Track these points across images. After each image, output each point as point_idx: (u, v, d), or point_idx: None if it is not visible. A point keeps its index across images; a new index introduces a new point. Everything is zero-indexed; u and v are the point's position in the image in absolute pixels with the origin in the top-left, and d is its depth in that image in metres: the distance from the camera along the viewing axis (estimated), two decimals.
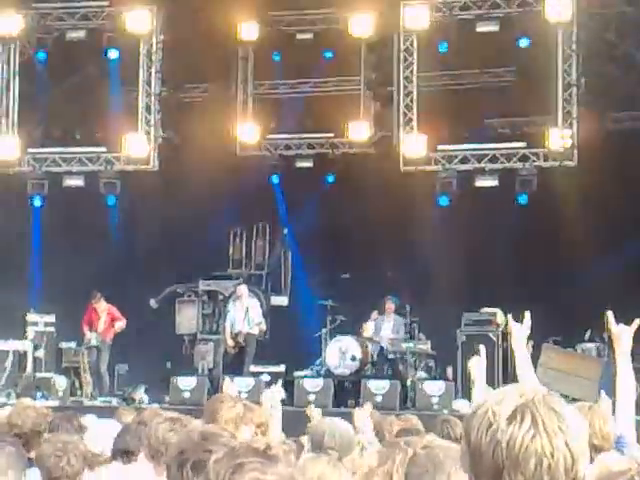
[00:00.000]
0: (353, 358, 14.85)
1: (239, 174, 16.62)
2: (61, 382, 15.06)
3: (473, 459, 1.74)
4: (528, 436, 1.72)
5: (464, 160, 15.67)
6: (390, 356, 15.09)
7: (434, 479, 2.21)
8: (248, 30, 16.58)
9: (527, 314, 4.34)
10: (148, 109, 16.70)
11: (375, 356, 15.20)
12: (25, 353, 15.43)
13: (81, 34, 16.75)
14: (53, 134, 17.48)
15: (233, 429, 4.18)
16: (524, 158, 15.37)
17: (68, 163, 17.04)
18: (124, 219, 17.09)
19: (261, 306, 15.87)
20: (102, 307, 15.56)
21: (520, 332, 4.22)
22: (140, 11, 16.26)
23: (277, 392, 5.88)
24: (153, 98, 16.75)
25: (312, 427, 4.87)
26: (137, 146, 16.47)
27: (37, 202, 17.27)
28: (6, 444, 3.20)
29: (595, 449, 4.75)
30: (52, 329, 16.10)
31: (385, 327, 15.18)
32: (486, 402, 1.79)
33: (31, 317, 16.07)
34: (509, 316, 4.74)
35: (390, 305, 15.12)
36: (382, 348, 15.09)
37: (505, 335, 14.54)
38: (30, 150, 17.01)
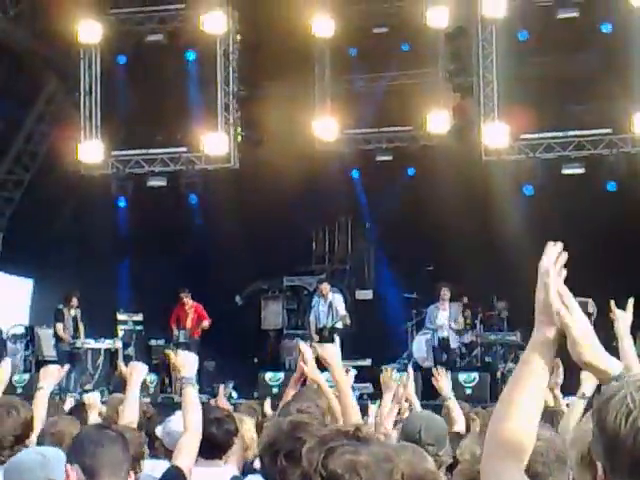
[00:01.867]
0: None
1: (319, 170, 16.67)
2: (151, 379, 15.31)
3: (609, 448, 1.67)
4: None
5: (548, 148, 15.47)
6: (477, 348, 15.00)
7: None
8: (324, 26, 16.61)
9: (630, 301, 4.26)
10: (227, 108, 16.86)
11: (463, 348, 15.11)
12: (116, 351, 15.74)
13: (159, 37, 16.99)
14: (135, 136, 17.75)
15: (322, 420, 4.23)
16: (611, 144, 15.12)
17: (150, 164, 17.31)
18: (206, 217, 17.28)
19: (345, 301, 15.91)
20: (189, 305, 15.78)
21: (624, 320, 4.14)
22: (216, 12, 16.43)
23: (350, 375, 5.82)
24: (231, 97, 16.91)
25: (407, 421, 4.82)
26: (217, 145, 16.65)
27: (122, 203, 17.58)
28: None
29: None
30: (141, 327, 16.42)
31: (441, 315, 14.90)
32: (623, 388, 1.71)
33: (120, 316, 16.40)
34: (612, 303, 4.66)
35: (445, 292, 14.84)
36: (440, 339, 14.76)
37: (595, 325, 14.35)
38: (114, 153, 17.32)
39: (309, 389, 5.05)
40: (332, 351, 4.36)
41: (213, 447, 4.70)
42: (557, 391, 6.07)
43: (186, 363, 4.32)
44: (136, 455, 4.13)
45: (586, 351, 1.85)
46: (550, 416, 4.84)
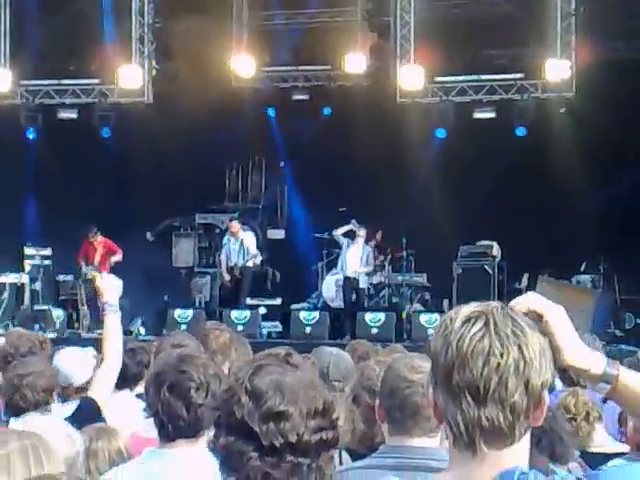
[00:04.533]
0: None
1: (235, 107, 16.47)
2: (58, 314, 15.15)
3: (432, 363, 1.78)
4: (477, 335, 1.74)
5: (462, 92, 15.54)
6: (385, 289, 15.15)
7: None
8: None
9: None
10: (142, 40, 16.49)
11: (371, 289, 15.26)
12: (22, 286, 15.50)
13: None
14: (46, 66, 17.25)
15: (221, 357, 4.20)
16: (522, 89, 15.25)
17: (61, 95, 16.88)
18: (119, 152, 16.98)
19: (257, 239, 15.87)
20: (98, 240, 15.58)
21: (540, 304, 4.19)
22: None
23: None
24: (146, 29, 16.53)
25: (316, 357, 4.87)
26: (131, 78, 16.29)
27: (31, 135, 17.16)
28: None
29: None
30: (48, 262, 16.17)
31: (351, 253, 14.80)
32: (448, 312, 1.82)
33: (28, 251, 16.11)
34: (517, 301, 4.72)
35: (361, 231, 14.70)
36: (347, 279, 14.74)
37: (500, 267, 14.63)
38: (23, 82, 16.83)
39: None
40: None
41: (125, 378, 4.64)
42: None
43: (110, 287, 4.15)
44: (49, 387, 4.02)
45: (568, 355, 1.87)
46: None
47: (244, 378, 1.93)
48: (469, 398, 1.73)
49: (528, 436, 1.78)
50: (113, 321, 4.11)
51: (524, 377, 1.75)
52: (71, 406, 4.18)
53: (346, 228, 14.98)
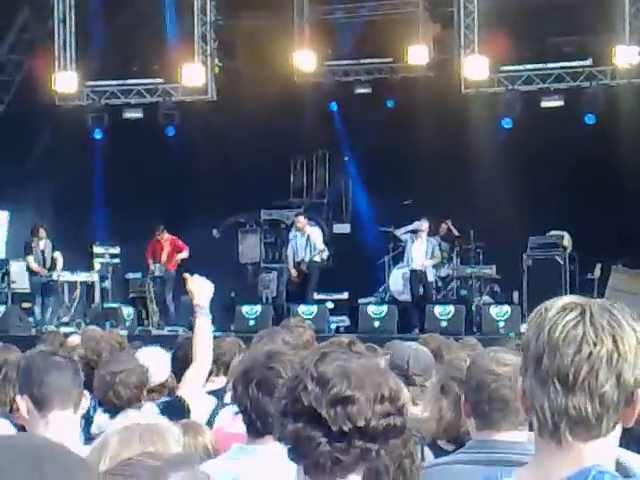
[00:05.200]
0: None
1: (298, 102, 16.48)
2: (128, 312, 15.32)
3: (523, 351, 1.78)
4: (571, 323, 1.72)
5: (528, 81, 15.31)
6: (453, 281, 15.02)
7: None
8: None
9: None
10: (204, 38, 16.59)
11: (439, 282, 15.14)
12: (93, 284, 15.73)
13: None
14: (111, 67, 17.48)
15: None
16: (590, 76, 14.98)
17: (126, 95, 17.09)
18: (184, 150, 17.11)
19: (323, 234, 15.85)
20: (165, 238, 15.72)
21: None
22: None
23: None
24: (208, 27, 16.61)
25: (393, 351, 4.82)
26: (194, 76, 16.40)
27: (98, 135, 17.39)
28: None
29: None
30: (117, 260, 16.38)
31: (415, 248, 14.72)
32: (544, 302, 1.80)
33: (97, 249, 16.35)
34: None
35: (423, 224, 14.61)
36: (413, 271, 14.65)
37: (572, 258, 14.38)
38: (89, 83, 17.06)
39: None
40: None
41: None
42: None
43: (201, 290, 4.08)
44: (141, 384, 4.04)
45: None
46: None
47: (309, 365, 1.94)
48: (557, 385, 1.71)
49: (616, 434, 1.75)
50: (204, 323, 4.08)
51: (616, 370, 1.71)
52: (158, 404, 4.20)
53: (409, 228, 14.88)
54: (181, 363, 4.58)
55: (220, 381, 5.17)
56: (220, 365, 5.17)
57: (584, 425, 1.71)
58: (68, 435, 2.94)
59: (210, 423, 4.14)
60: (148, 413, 3.51)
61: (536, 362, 1.74)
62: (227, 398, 4.55)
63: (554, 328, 1.73)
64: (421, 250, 14.72)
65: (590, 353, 1.70)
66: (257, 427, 2.88)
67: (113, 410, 3.80)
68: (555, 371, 1.71)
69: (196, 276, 4.17)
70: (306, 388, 1.90)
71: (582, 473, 1.70)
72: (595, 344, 1.71)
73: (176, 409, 3.82)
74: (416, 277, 14.77)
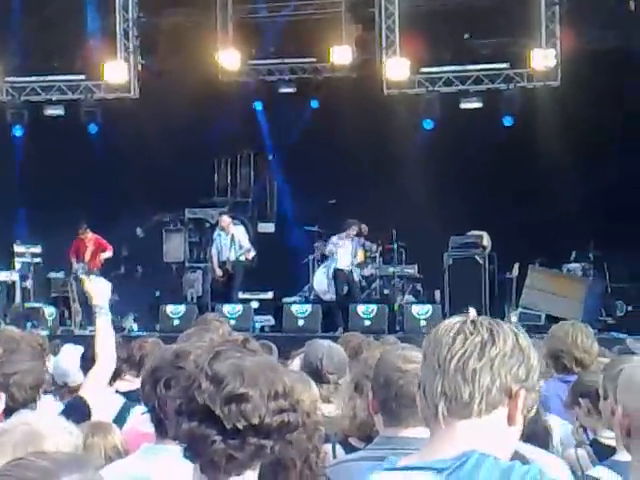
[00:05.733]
0: None
1: (221, 101, 16.45)
2: (50, 311, 15.12)
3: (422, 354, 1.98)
4: (454, 323, 1.95)
5: (448, 82, 15.55)
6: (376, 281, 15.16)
7: None
8: None
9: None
10: (126, 35, 16.44)
11: (363, 281, 15.26)
12: (13, 283, 15.47)
13: None
14: (32, 63, 17.18)
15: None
16: (508, 79, 15.29)
17: (47, 92, 16.83)
18: (106, 148, 16.93)
19: (248, 233, 15.86)
20: (88, 237, 15.55)
21: None
22: None
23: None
24: (131, 23, 16.47)
25: (307, 350, 4.87)
26: (116, 73, 16.24)
27: (18, 132, 17.10)
28: None
29: (577, 362, 4.87)
30: (39, 260, 16.13)
31: (341, 251, 14.79)
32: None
33: (17, 248, 16.07)
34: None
35: (353, 229, 14.66)
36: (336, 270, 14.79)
37: (491, 257, 14.67)
38: (8, 79, 16.76)
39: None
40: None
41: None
42: None
43: (99, 290, 4.17)
44: (37, 384, 4.02)
45: None
46: None
47: (204, 364, 1.95)
48: (437, 370, 1.88)
49: (496, 421, 1.88)
50: (104, 323, 4.14)
51: (490, 357, 1.87)
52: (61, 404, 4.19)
53: (334, 241, 14.86)
54: (90, 363, 4.62)
55: (138, 382, 5.18)
56: (141, 366, 5.18)
57: (458, 403, 1.87)
58: None
59: (118, 422, 4.18)
60: (44, 414, 3.51)
61: (424, 356, 1.93)
62: None
63: (440, 328, 1.94)
64: (347, 250, 14.83)
65: (465, 339, 1.89)
66: (164, 426, 2.90)
67: (8, 412, 3.77)
68: (436, 359, 1.89)
69: (93, 277, 4.23)
70: (200, 386, 1.92)
71: (464, 454, 1.83)
72: (472, 334, 1.90)
73: (76, 409, 3.82)
74: (341, 276, 14.88)
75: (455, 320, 1.94)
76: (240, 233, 15.42)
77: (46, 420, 2.67)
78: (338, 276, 14.91)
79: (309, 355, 4.67)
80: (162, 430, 2.93)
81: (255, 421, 1.93)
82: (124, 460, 3.13)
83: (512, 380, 1.88)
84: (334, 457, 3.57)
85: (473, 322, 1.92)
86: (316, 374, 4.34)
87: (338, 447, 3.66)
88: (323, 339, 5.67)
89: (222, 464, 1.93)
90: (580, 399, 4.22)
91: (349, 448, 3.62)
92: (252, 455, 1.94)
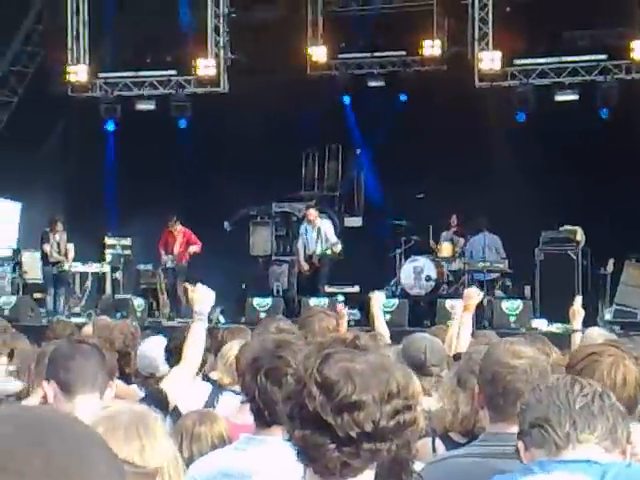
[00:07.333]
0: (428, 278, 14.77)
1: (310, 95, 16.43)
2: (139, 303, 15.33)
3: None
4: None
5: (542, 74, 15.22)
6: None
7: None
8: None
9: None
10: (217, 31, 16.57)
11: (450, 276, 15.08)
12: (104, 275, 15.75)
13: None
14: (124, 58, 17.48)
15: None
16: (606, 71, 14.88)
17: (139, 87, 17.09)
18: (196, 142, 17.09)
19: (335, 227, 15.81)
20: (178, 230, 15.71)
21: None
22: None
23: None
24: (222, 19, 16.60)
25: (408, 342, 4.79)
26: (207, 68, 16.39)
27: (110, 126, 17.39)
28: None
29: None
30: (129, 252, 16.40)
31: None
32: None
33: (108, 241, 16.36)
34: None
35: (454, 220, 14.68)
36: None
37: (585, 253, 14.31)
38: (101, 75, 17.07)
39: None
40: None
41: None
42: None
43: (202, 299, 4.20)
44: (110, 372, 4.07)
45: None
46: None
47: (313, 368, 1.87)
48: None
49: None
50: (199, 329, 4.15)
51: None
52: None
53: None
54: (172, 355, 4.66)
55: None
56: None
57: None
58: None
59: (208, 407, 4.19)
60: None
61: None
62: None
63: None
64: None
65: None
66: (265, 417, 2.85)
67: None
68: None
69: (199, 285, 4.25)
70: (310, 393, 1.84)
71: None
72: None
73: (154, 399, 3.83)
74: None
75: None
76: (327, 227, 15.37)
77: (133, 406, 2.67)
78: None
79: (409, 348, 4.61)
80: (261, 420, 2.88)
81: (369, 428, 1.84)
82: (222, 450, 3.09)
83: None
84: (434, 451, 3.48)
85: None
86: (418, 367, 4.28)
87: (438, 441, 3.56)
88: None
89: (337, 470, 1.86)
90: None
91: (449, 443, 3.52)
92: (368, 460, 1.87)
